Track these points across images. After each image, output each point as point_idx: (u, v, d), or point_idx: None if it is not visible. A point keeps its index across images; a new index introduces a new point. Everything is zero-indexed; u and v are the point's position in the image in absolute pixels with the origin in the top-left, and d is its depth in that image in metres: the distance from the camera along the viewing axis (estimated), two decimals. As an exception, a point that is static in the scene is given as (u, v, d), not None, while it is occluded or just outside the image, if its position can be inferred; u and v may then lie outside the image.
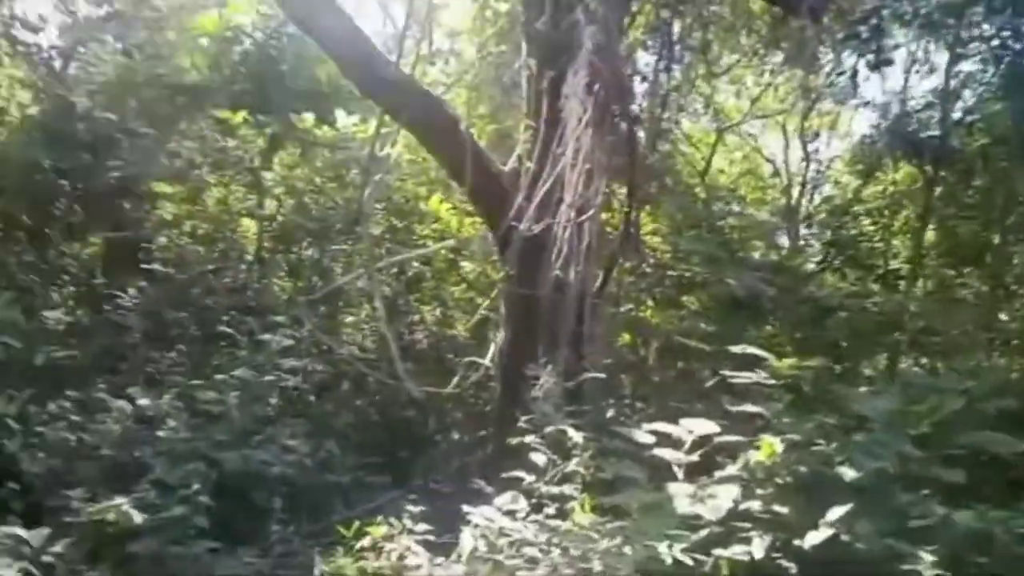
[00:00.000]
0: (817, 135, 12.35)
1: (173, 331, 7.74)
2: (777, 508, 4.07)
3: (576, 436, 4.78)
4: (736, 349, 5.11)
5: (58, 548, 4.29)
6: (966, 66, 10.10)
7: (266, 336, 6.48)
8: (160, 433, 5.66)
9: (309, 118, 9.17)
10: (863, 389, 5.49)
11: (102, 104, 9.62)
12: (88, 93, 10.02)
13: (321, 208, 9.31)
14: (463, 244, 8.37)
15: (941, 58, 10.51)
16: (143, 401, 5.86)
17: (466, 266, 9.02)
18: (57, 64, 10.78)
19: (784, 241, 11.17)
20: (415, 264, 9.16)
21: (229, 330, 7.25)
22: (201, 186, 9.55)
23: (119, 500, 4.74)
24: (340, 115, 9.14)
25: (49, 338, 7.12)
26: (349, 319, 9.52)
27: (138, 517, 4.71)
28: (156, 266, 8.41)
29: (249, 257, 9.42)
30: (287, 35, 10.07)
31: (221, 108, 9.50)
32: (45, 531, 4.37)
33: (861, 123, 14.05)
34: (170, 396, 5.94)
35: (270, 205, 9.60)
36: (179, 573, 4.64)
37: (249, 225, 9.77)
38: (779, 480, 4.25)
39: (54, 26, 11.02)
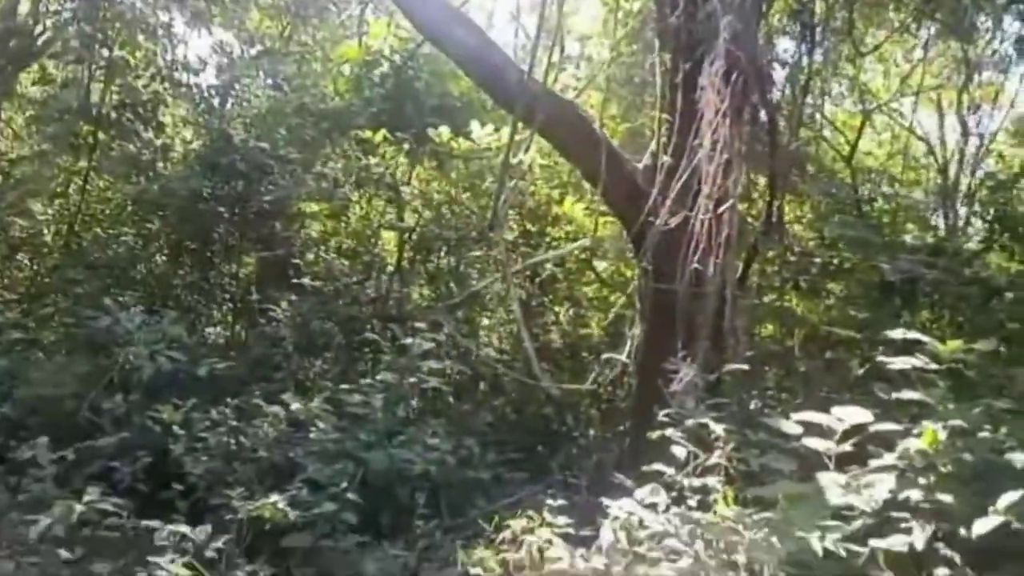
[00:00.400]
0: (978, 107, 11.44)
1: (321, 340, 8.09)
2: (940, 497, 3.77)
3: (717, 428, 4.60)
4: (895, 334, 4.78)
5: (219, 544, 4.51)
6: None
7: (407, 341, 6.64)
8: (311, 435, 5.92)
9: (445, 132, 9.39)
10: (1036, 370, 5.00)
11: (255, 135, 10.23)
12: (243, 125, 10.71)
13: (457, 217, 9.51)
14: (596, 244, 8.31)
15: (1112, 15, 9.53)
16: (295, 406, 6.13)
17: (599, 265, 8.95)
18: (215, 101, 11.58)
19: (941, 222, 10.40)
20: (548, 266, 9.18)
21: (373, 337, 7.50)
22: (345, 203, 9.97)
23: (274, 498, 4.95)
24: (475, 127, 9.30)
25: (211, 351, 7.61)
26: (486, 322, 9.67)
27: (292, 514, 4.91)
28: (305, 281, 8.85)
29: (390, 268, 9.74)
30: (423, 55, 10.41)
31: (362, 129, 9.93)
32: (207, 528, 4.61)
33: (1027, 92, 12.92)
34: (319, 400, 6.19)
35: (409, 218, 9.90)
36: (330, 566, 4.81)
37: (389, 238, 10.12)
38: (942, 469, 3.94)
39: (212, 67, 11.91)
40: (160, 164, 10.43)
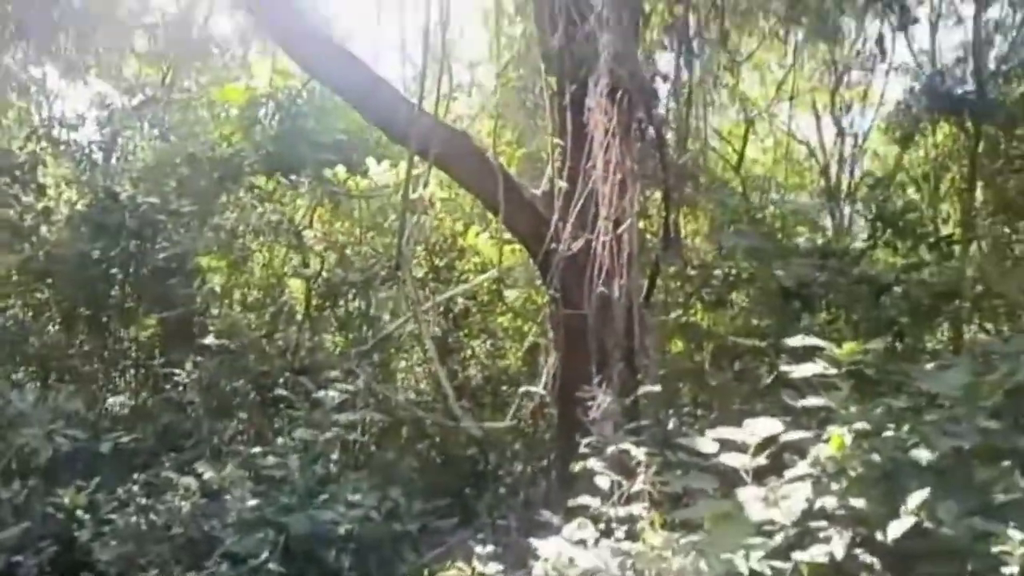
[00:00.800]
0: (849, 108, 12.03)
1: (233, 401, 7.83)
2: (853, 502, 3.90)
3: (638, 453, 4.63)
4: (794, 342, 4.93)
5: (137, 632, 4.31)
6: (993, 12, 9.81)
7: (321, 393, 6.49)
8: (227, 504, 5.70)
9: (340, 171, 9.25)
10: (929, 365, 5.23)
11: (143, 190, 9.86)
12: (130, 181, 10.31)
13: (362, 258, 9.39)
14: (505, 274, 8.33)
15: (967, 8, 10.22)
16: (208, 475, 5.89)
17: (511, 295, 8.98)
18: (98, 157, 11.12)
19: (828, 223, 10.86)
20: (460, 300, 9.15)
21: (285, 392, 7.31)
22: (246, 254, 9.72)
23: (192, 577, 4.77)
24: (371, 164, 9.20)
25: (114, 424, 7.27)
26: (403, 364, 9.56)
27: (213, 592, 4.73)
28: (210, 339, 8.55)
29: (299, 317, 9.53)
30: (309, 92, 10.23)
31: (255, 174, 9.69)
32: (123, 617, 4.40)
33: (894, 89, 13.67)
34: (233, 466, 5.98)
35: (313, 263, 9.72)
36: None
37: (295, 286, 9.90)
38: (852, 472, 4.07)
39: (92, 121, 11.41)
40: (44, 229, 9.93)
